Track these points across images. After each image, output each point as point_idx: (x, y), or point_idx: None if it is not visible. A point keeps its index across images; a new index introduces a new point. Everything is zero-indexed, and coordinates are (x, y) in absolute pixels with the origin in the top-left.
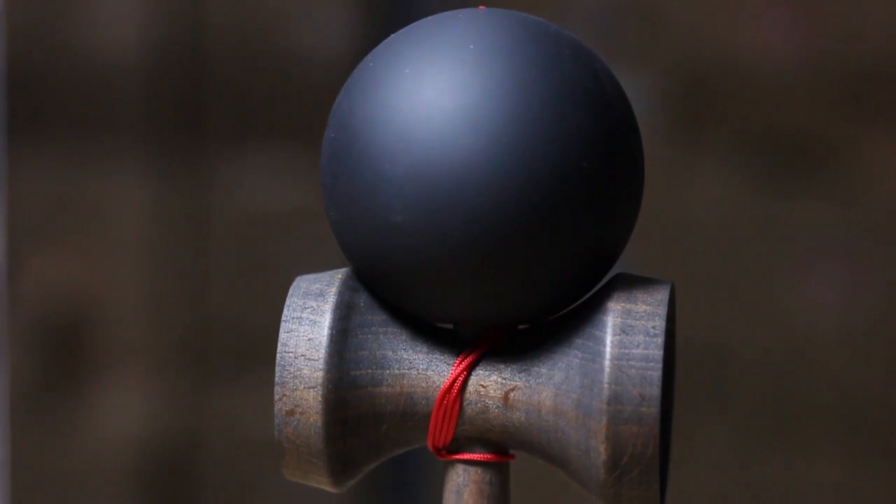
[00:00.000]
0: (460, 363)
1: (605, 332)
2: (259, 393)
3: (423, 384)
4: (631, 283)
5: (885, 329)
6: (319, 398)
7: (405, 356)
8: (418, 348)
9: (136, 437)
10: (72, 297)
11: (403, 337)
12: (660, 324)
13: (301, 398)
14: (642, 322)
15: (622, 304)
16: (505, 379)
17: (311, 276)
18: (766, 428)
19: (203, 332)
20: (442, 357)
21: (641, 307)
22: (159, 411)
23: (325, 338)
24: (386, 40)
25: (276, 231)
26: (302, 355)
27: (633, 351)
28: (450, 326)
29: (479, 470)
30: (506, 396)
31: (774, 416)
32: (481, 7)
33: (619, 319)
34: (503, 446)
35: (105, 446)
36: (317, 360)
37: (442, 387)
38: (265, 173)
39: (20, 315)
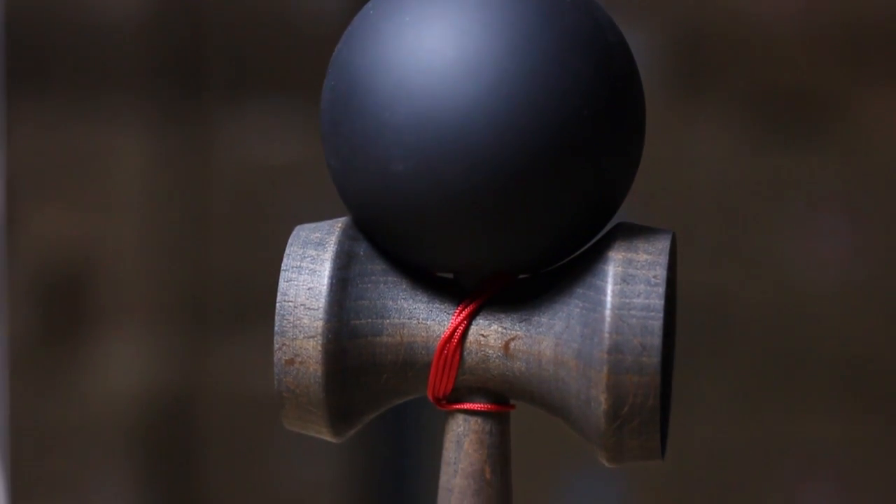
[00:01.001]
0: (460, 312)
1: (606, 282)
2: (259, 347)
3: (423, 334)
4: (632, 232)
5: (885, 282)
6: (319, 347)
7: (405, 305)
8: (418, 298)
9: (136, 391)
10: (71, 250)
11: (403, 286)
12: (661, 273)
13: (301, 347)
14: (643, 271)
15: (623, 254)
16: (505, 328)
17: (311, 226)
18: (765, 381)
19: (202, 286)
20: (442, 306)
21: (642, 256)
22: (159, 365)
23: (325, 287)
24: None
25: (275, 184)
26: (302, 304)
27: (634, 300)
28: (450, 276)
29: (480, 420)
30: (506, 346)
31: (774, 368)
32: None
33: (620, 269)
34: (503, 396)
35: (104, 400)
36: (316, 310)
37: (442, 336)
38: (264, 127)
39: (19, 268)
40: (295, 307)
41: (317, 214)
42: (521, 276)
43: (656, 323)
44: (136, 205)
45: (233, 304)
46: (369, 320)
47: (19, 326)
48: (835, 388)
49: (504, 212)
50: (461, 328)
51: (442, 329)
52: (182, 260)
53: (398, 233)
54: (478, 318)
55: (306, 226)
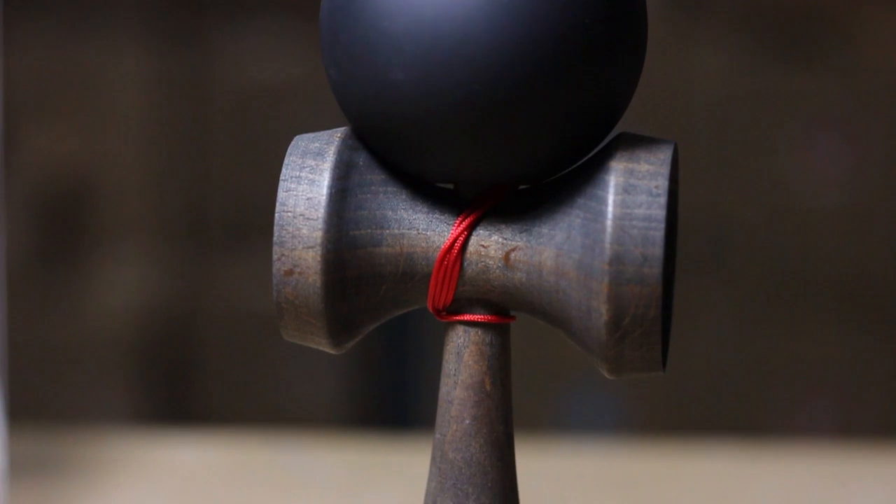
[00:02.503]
0: (460, 223)
1: (608, 192)
2: (258, 264)
3: (422, 244)
4: (633, 142)
5: (883, 202)
6: (318, 258)
7: (405, 216)
8: (418, 208)
9: (136, 308)
10: (70, 169)
11: (403, 197)
12: (663, 183)
13: (300, 258)
14: (645, 182)
15: (625, 164)
16: (506, 239)
17: (310, 136)
18: (764, 300)
19: (202, 204)
20: (442, 217)
21: (644, 167)
22: (159, 283)
23: (325, 197)
24: None
25: (274, 103)
26: (301, 215)
27: (636, 211)
28: (450, 186)
29: (480, 331)
30: (506, 257)
31: (773, 288)
32: None
33: (621, 179)
34: (504, 307)
35: (104, 318)
36: (316, 220)
37: (442, 247)
38: (264, 46)
39: (18, 188)
40: (294, 217)
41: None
42: (522, 187)
43: (658, 234)
44: (136, 124)
45: (232, 222)
46: (369, 231)
47: (18, 245)
48: (833, 307)
49: (504, 121)
50: (461, 239)
51: (442, 240)
52: (181, 178)
53: (398, 142)
54: (478, 228)
55: (305, 136)
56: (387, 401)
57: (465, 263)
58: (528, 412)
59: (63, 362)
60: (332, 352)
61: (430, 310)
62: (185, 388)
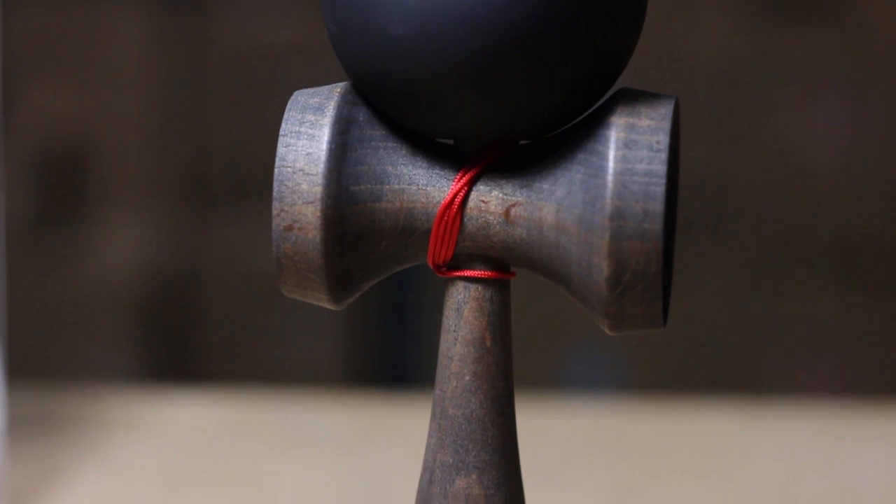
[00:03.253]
0: (461, 178)
1: (608, 147)
2: (257, 225)
3: (423, 200)
4: (634, 97)
5: (884, 161)
6: (318, 213)
7: (405, 171)
8: (418, 163)
9: (135, 267)
10: (70, 129)
11: (403, 152)
12: (664, 139)
13: (299, 213)
14: (646, 137)
15: (625, 119)
16: (506, 195)
17: (310, 91)
18: (765, 258)
19: (202, 165)
20: (442, 172)
21: (645, 122)
22: (158, 244)
23: (324, 152)
24: None
25: (275, 62)
26: (300, 170)
27: (637, 166)
28: (450, 142)
29: (480, 287)
30: (507, 212)
31: (774, 246)
32: None
33: (622, 134)
34: (504, 263)
35: (104, 278)
36: (315, 175)
37: (442, 202)
38: (264, 3)
39: (18, 147)
40: (293, 173)
41: None
42: (522, 143)
43: (659, 189)
44: (136, 83)
45: (232, 182)
46: (368, 186)
47: (18, 205)
48: (833, 267)
49: (504, 77)
50: (461, 194)
51: (442, 195)
52: (181, 137)
53: (398, 98)
54: (478, 184)
55: (305, 91)
56: (387, 359)
57: (466, 219)
58: (528, 371)
59: (63, 321)
60: (332, 307)
61: (430, 266)
62: (185, 346)
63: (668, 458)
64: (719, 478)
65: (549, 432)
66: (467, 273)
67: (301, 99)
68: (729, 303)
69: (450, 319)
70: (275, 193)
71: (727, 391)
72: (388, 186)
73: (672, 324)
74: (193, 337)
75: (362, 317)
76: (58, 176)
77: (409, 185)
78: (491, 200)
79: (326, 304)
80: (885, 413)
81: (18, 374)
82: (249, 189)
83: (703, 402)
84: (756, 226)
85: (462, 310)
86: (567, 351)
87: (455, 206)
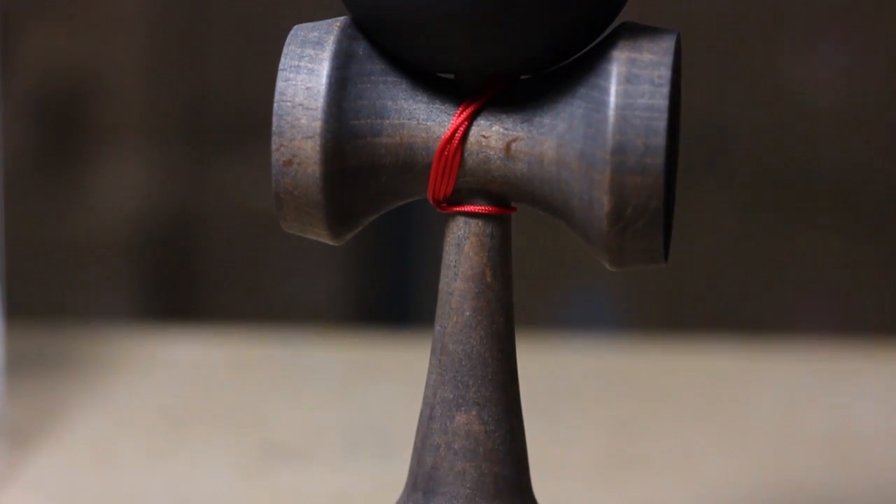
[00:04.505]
0: (461, 113)
1: (610, 82)
2: (257, 166)
3: (423, 134)
4: (636, 32)
5: (885, 103)
6: (318, 148)
7: (405, 106)
8: (418, 98)
9: (134, 210)
10: (68, 68)
11: (403, 87)
12: (665, 73)
13: (299, 148)
14: (647, 71)
15: (627, 53)
16: (507, 129)
17: (309, 25)
18: (765, 199)
19: (202, 105)
20: (442, 107)
21: (647, 56)
22: (157, 184)
23: (324, 87)
24: None
25: (275, 2)
26: (300, 104)
27: (638, 101)
28: (450, 77)
29: (480, 222)
30: (507, 147)
31: (774, 187)
32: None
33: (623, 68)
34: (504, 198)
35: (103, 218)
36: (315, 110)
37: (443, 137)
38: None
39: (15, 89)
40: (293, 107)
41: None
42: (523, 77)
43: (660, 123)
44: (135, 22)
45: (232, 123)
46: (368, 121)
47: (16, 145)
48: (834, 207)
49: (505, 8)
50: (462, 129)
51: (442, 130)
52: (181, 77)
53: (398, 31)
54: (479, 118)
55: (304, 25)
56: (387, 297)
57: (466, 154)
58: (528, 309)
59: (61, 261)
60: (332, 243)
61: (430, 201)
62: (185, 286)
63: (668, 397)
64: (719, 416)
65: (549, 370)
66: (467, 208)
67: (300, 33)
68: (729, 242)
69: (450, 255)
70: (274, 128)
71: (727, 330)
72: (388, 121)
73: (672, 263)
74: (193, 276)
75: (362, 255)
76: (56, 116)
77: (409, 119)
78: (491, 135)
79: (326, 240)
80: (885, 352)
81: (17, 313)
82: (249, 128)
83: (703, 341)
84: (756, 166)
85: (462, 245)
86: (568, 290)
87: (455, 141)
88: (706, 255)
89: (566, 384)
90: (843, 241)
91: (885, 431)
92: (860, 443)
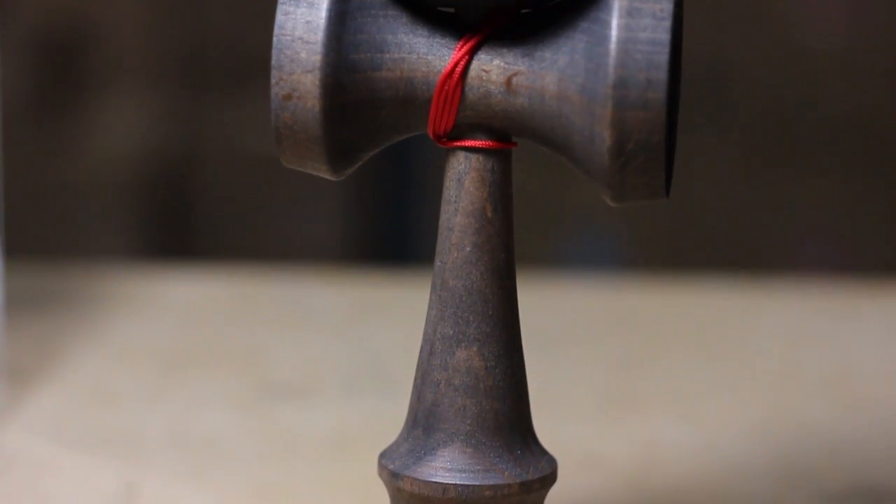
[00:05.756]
0: (462, 47)
1: (611, 15)
2: (257, 109)
3: (423, 68)
4: None
5: (885, 44)
6: (317, 82)
7: (405, 40)
8: (419, 32)
9: (134, 152)
10: (68, 12)
11: (403, 20)
12: (667, 7)
13: (298, 82)
14: (649, 5)
15: None
16: (508, 63)
17: None
18: (766, 142)
19: (201, 47)
20: (443, 41)
21: None
22: (157, 127)
23: (324, 20)
24: None
25: None
26: (299, 38)
27: (640, 34)
28: (451, 10)
29: (481, 157)
30: (508, 81)
31: (775, 130)
32: None
33: (625, 2)
34: (505, 133)
35: (102, 161)
36: (314, 44)
37: (443, 71)
38: None
39: (16, 33)
40: (292, 41)
41: None
42: (524, 11)
43: (662, 58)
44: None
45: (231, 66)
46: (368, 55)
47: (16, 88)
48: (834, 148)
49: None
50: (462, 63)
51: (443, 64)
52: (181, 19)
53: None
54: (479, 53)
55: None
56: (387, 235)
57: (467, 88)
58: (528, 246)
59: (62, 202)
60: (331, 178)
61: (431, 136)
62: (184, 225)
63: (668, 335)
64: (720, 354)
65: (550, 308)
66: (468, 143)
67: None
68: (731, 183)
69: (450, 190)
70: (273, 62)
71: (728, 269)
72: (388, 55)
73: (673, 202)
74: (192, 216)
75: (362, 193)
76: (56, 59)
77: (409, 53)
78: (492, 69)
79: (325, 175)
80: (885, 290)
81: (16, 252)
82: (249, 71)
83: (704, 280)
84: (757, 109)
85: (463, 180)
86: (569, 229)
87: (456, 76)
88: (707, 194)
89: (567, 322)
90: (844, 181)
91: (885, 369)
92: (860, 380)
